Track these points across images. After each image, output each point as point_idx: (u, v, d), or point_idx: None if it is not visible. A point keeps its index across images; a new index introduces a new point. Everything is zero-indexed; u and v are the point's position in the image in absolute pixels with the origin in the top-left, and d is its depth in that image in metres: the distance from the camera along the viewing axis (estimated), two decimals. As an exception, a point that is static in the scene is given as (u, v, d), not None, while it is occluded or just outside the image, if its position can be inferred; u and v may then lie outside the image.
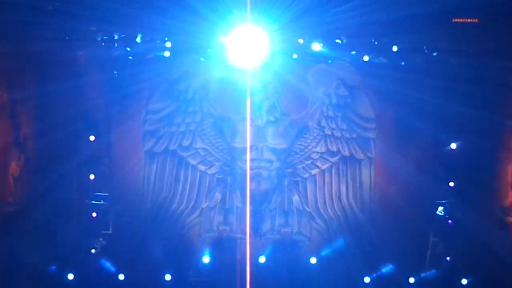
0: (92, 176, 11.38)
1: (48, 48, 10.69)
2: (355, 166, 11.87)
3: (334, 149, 11.82)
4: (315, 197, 11.94)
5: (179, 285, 11.40)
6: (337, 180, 11.91)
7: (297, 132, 11.78)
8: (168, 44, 10.73)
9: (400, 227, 11.49)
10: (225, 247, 11.67)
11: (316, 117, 11.76)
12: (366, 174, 11.87)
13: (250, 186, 11.49)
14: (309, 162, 11.86)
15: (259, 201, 11.78)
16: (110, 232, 11.48)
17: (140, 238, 11.45)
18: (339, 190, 11.93)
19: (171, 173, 11.81)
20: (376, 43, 10.90)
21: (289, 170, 11.84)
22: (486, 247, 10.91)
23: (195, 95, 11.62)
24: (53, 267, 11.13)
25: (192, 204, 11.86)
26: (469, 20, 10.75)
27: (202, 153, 11.80)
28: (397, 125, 11.56)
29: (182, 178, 11.82)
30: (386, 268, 11.52)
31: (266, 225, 11.89)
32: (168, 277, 11.35)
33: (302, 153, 11.84)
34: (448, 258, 11.42)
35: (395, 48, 10.83)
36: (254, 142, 11.52)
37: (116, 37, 10.72)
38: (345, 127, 11.75)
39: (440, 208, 11.47)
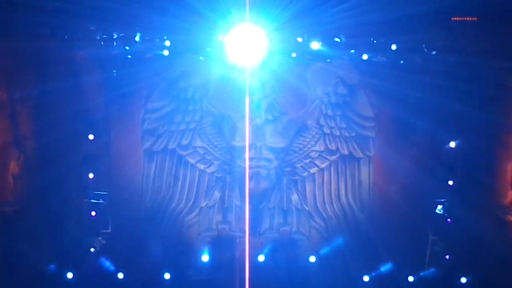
0: (91, 175, 11.38)
1: (47, 47, 10.70)
2: (354, 165, 11.88)
3: (333, 147, 11.83)
4: (314, 196, 11.95)
5: (178, 284, 11.41)
6: (336, 178, 11.92)
7: (296, 131, 11.79)
8: (167, 43, 10.75)
9: (399, 226, 11.50)
10: (224, 246, 11.68)
11: (315, 116, 11.77)
12: (365, 173, 11.88)
13: (249, 185, 11.50)
14: (308, 161, 11.87)
15: (258, 200, 11.79)
16: (109, 231, 11.49)
17: (139, 237, 11.46)
18: (338, 189, 11.94)
19: (170, 171, 11.83)
20: (375, 42, 10.90)
21: (288, 169, 11.85)
22: (485, 245, 10.92)
23: (194, 94, 11.63)
24: (52, 266, 11.16)
25: (191, 203, 11.87)
26: (467, 19, 10.75)
27: (201, 151, 11.81)
28: (396, 124, 11.56)
29: (181, 176, 11.83)
30: (385, 267, 11.53)
31: (265, 224, 11.90)
32: (167, 275, 11.37)
33: (301, 152, 11.84)
34: (447, 257, 11.43)
35: (394, 47, 10.83)
36: (253, 141, 11.53)
37: (115, 36, 10.74)
38: (344, 125, 11.75)
39: (439, 207, 11.47)
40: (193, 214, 11.90)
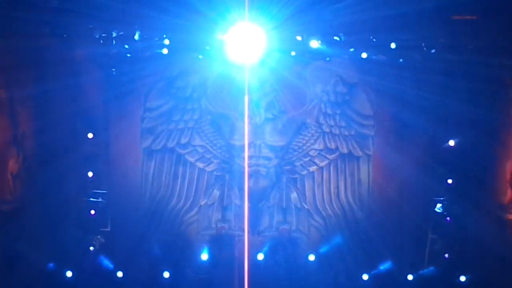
0: (90, 174, 11.38)
1: (46, 45, 10.69)
2: (353, 163, 11.88)
3: (332, 146, 11.83)
4: (313, 194, 11.94)
5: (177, 282, 11.41)
6: (335, 177, 11.92)
7: (295, 130, 11.78)
8: (166, 42, 10.72)
9: (398, 224, 11.49)
10: (223, 244, 11.69)
11: (314, 114, 11.77)
12: (364, 171, 11.88)
13: (248, 183, 11.50)
14: (307, 159, 11.86)
15: (257, 199, 11.79)
16: (108, 229, 11.49)
17: (138, 235, 11.49)
18: (337, 187, 11.94)
19: (169, 170, 11.82)
20: (374, 40, 10.88)
21: (287, 167, 11.85)
22: (484, 244, 10.92)
23: (193, 92, 11.63)
24: (52, 265, 11.16)
25: (190, 202, 11.87)
26: (467, 17, 10.74)
27: (200, 150, 11.81)
28: (395, 122, 11.56)
29: (180, 175, 11.83)
30: (384, 265, 11.54)
31: (264, 222, 11.90)
32: (166, 274, 11.37)
33: (300, 150, 11.84)
34: (446, 255, 11.42)
35: (393, 45, 10.81)
36: (252, 139, 11.54)
37: (114, 34, 10.71)
38: (343, 124, 11.75)
39: (439, 205, 11.47)
40: (192, 213, 11.89)
